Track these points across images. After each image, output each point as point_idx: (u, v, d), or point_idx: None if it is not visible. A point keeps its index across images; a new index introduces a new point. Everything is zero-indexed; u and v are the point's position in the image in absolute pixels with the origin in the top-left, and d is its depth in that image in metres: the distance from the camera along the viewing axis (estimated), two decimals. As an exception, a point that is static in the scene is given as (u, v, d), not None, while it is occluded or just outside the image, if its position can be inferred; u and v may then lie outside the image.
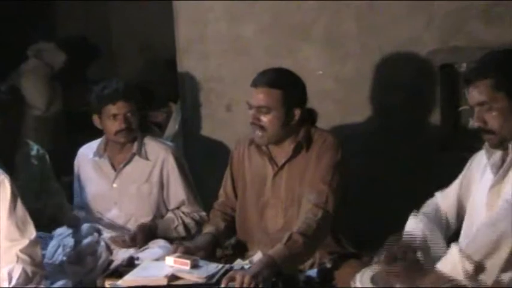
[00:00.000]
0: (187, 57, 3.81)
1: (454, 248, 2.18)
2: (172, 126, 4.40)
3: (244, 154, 2.95)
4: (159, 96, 4.86)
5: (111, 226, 3.23)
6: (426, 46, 3.43)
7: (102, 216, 3.29)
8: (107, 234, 3.18)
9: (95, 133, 3.34)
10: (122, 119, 3.17)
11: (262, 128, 2.76)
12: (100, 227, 3.22)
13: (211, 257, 2.79)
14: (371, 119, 3.57)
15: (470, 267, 2.11)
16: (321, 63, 3.59)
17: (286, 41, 3.62)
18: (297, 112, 2.79)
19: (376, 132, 3.54)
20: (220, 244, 2.91)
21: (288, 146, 2.82)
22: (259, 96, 2.76)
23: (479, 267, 2.11)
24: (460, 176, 2.50)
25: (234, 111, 3.72)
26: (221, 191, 3.06)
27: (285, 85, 2.78)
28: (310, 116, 2.88)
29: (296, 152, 2.81)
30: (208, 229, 2.95)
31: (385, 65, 3.50)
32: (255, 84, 2.80)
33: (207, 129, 3.83)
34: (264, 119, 2.75)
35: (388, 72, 3.51)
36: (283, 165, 2.83)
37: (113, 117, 3.17)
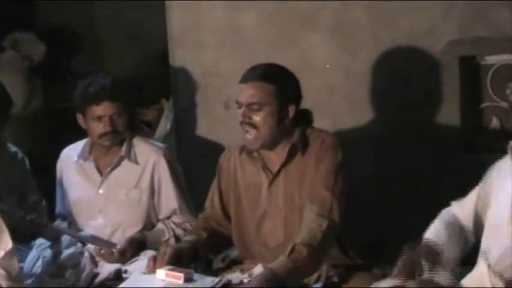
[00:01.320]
0: (180, 49, 3.82)
1: (482, 264, 2.18)
2: (164, 126, 4.40)
3: (235, 163, 2.93)
4: (150, 92, 4.87)
5: (94, 238, 3.23)
6: (444, 37, 3.44)
7: (87, 226, 3.29)
8: (91, 244, 3.19)
9: (80, 133, 3.32)
10: (107, 121, 3.15)
11: (254, 126, 2.75)
12: (81, 238, 3.23)
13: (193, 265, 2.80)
14: (383, 117, 3.57)
15: (500, 284, 2.11)
16: (329, 56, 3.61)
17: (290, 31, 3.64)
18: (292, 109, 2.78)
19: (389, 131, 3.55)
20: (199, 255, 2.87)
21: (281, 150, 2.80)
22: (250, 92, 2.75)
23: (510, 285, 2.11)
24: (478, 186, 2.49)
25: (232, 109, 3.49)
26: (207, 203, 3.06)
27: (278, 79, 2.77)
28: (305, 116, 2.88)
29: (291, 155, 2.80)
30: (187, 238, 2.95)
31: (399, 57, 3.51)
32: (245, 79, 2.79)
33: (203, 129, 3.85)
34: (256, 117, 2.74)
35: (402, 66, 3.52)
36: (279, 171, 2.81)
37: (98, 118, 3.16)
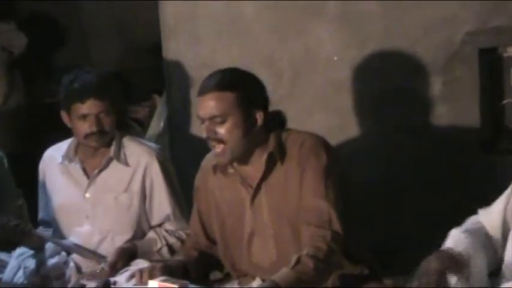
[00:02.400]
0: (174, 40, 3.82)
1: None
2: (157, 124, 4.41)
3: (212, 184, 2.91)
4: (141, 87, 4.90)
5: (81, 248, 3.24)
6: (463, 27, 3.45)
7: (72, 233, 3.30)
8: (77, 254, 3.21)
9: (66, 131, 3.31)
10: (93, 121, 3.15)
11: (220, 141, 2.71)
12: (67, 248, 3.23)
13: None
14: (395, 115, 3.56)
15: None
16: (336, 48, 3.61)
17: (294, 21, 3.64)
18: (260, 115, 2.74)
19: (402, 131, 3.55)
20: (190, 275, 2.86)
21: (258, 161, 2.77)
22: (209, 104, 2.70)
23: None
24: (506, 192, 2.48)
25: None
26: (190, 229, 3.08)
27: (238, 86, 2.73)
28: (278, 119, 2.85)
29: (270, 165, 2.75)
30: (177, 256, 2.98)
31: (413, 49, 3.50)
32: (202, 92, 2.74)
33: (199, 128, 3.53)
34: (221, 130, 2.70)
35: (416, 59, 3.51)
36: (259, 185, 2.78)
37: (83, 117, 3.15)
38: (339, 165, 2.77)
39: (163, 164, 3.30)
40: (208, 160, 2.91)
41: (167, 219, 3.29)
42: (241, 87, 2.73)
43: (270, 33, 3.66)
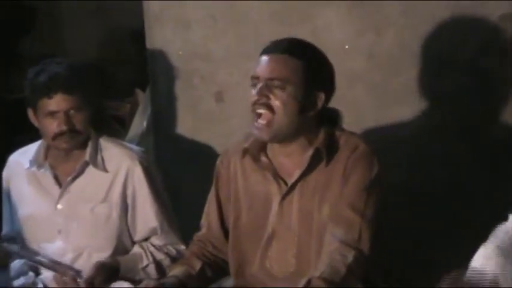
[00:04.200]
0: (160, 26, 3.81)
1: None
2: (140, 123, 4.38)
3: (236, 170, 2.94)
4: (121, 81, 4.96)
5: (54, 263, 3.22)
6: (496, 9, 3.45)
7: (41, 250, 3.28)
8: (47, 273, 3.20)
9: (37, 133, 3.31)
10: (63, 118, 3.15)
11: (270, 108, 2.73)
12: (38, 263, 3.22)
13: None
14: (418, 112, 3.56)
15: None
16: (348, 34, 3.60)
17: (299, 4, 3.63)
18: (320, 97, 2.79)
19: (426, 131, 3.55)
20: None
21: (300, 155, 2.80)
22: (272, 65, 2.75)
23: None
24: None
25: (226, 102, 3.72)
26: (203, 220, 3.07)
27: (308, 56, 2.79)
28: (333, 116, 2.89)
29: (313, 162, 2.78)
30: (175, 271, 2.97)
31: (438, 36, 3.50)
32: (269, 51, 2.80)
33: (188, 128, 3.85)
34: (275, 97, 2.73)
35: (441, 47, 3.52)
36: (295, 182, 2.80)
37: (51, 115, 3.16)
38: (384, 181, 2.80)
39: (147, 169, 3.30)
40: (237, 144, 2.94)
41: (153, 233, 3.30)
42: (311, 59, 2.78)
43: (271, 19, 3.65)
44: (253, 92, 2.76)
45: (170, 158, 3.84)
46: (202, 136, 3.79)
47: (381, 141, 3.44)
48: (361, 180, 2.75)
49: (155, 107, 3.97)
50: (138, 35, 4.05)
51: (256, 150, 2.84)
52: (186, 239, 3.20)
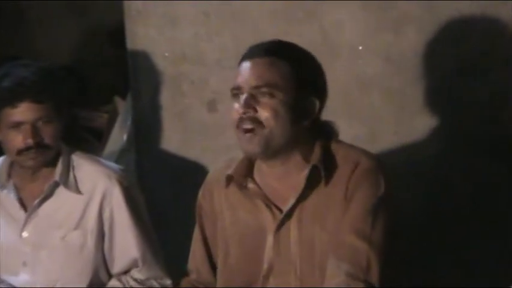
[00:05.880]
0: (143, 24, 3.81)
1: None
2: (119, 136, 4.39)
3: (221, 202, 2.91)
4: (98, 87, 4.94)
5: None
6: None
7: (4, 285, 3.27)
8: None
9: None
10: (29, 131, 3.12)
11: (259, 123, 2.70)
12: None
13: None
14: (442, 121, 3.56)
15: None
16: (362, 34, 3.60)
17: None
18: (315, 103, 2.77)
19: (451, 144, 3.56)
20: None
21: (294, 176, 2.77)
22: (257, 71, 2.72)
23: None
24: None
25: (220, 112, 3.69)
26: (190, 264, 3.07)
27: (296, 57, 2.78)
28: (326, 129, 2.86)
29: (311, 183, 2.74)
30: None
31: (466, 36, 3.50)
32: (248, 56, 2.78)
33: (177, 141, 3.84)
34: (264, 108, 2.69)
35: (469, 48, 3.51)
36: (292, 208, 2.76)
37: (15, 126, 3.15)
38: (393, 200, 2.79)
39: (128, 190, 3.30)
40: (218, 171, 2.93)
41: (134, 265, 3.29)
42: (302, 61, 2.77)
43: (272, 15, 3.66)
44: (236, 106, 2.73)
45: (154, 177, 3.85)
46: (192, 152, 3.79)
47: (400, 156, 3.52)
48: (365, 201, 2.72)
49: (137, 118, 3.95)
50: (118, 33, 4.05)
51: (242, 177, 2.81)
52: (173, 272, 3.20)
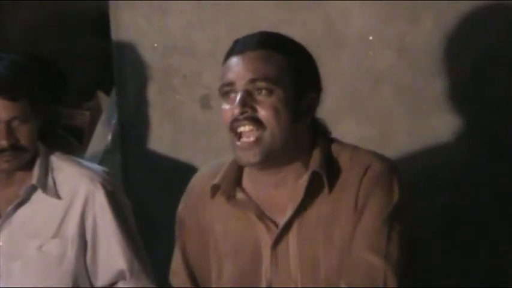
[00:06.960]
0: (128, 11, 3.82)
1: None
2: (102, 136, 4.38)
3: (210, 214, 2.87)
4: (79, 81, 4.87)
5: None
6: None
7: None
8: None
9: None
10: (3, 131, 3.14)
11: (258, 123, 2.64)
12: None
13: None
14: (461, 121, 3.56)
15: None
16: (372, 22, 3.60)
17: None
18: (314, 99, 2.74)
19: (473, 149, 3.56)
20: None
21: (292, 182, 2.73)
22: (252, 64, 2.66)
23: None
24: None
25: (214, 109, 3.68)
26: (173, 282, 3.04)
27: (291, 49, 2.74)
28: (322, 126, 2.84)
29: (312, 191, 2.70)
30: None
31: (489, 27, 3.49)
32: (238, 49, 2.71)
33: (166, 141, 3.86)
34: (262, 106, 2.64)
35: (493, 40, 3.51)
36: (290, 220, 2.72)
37: None
38: (408, 208, 2.74)
39: (112, 194, 3.29)
40: (202, 178, 2.90)
41: (120, 277, 3.29)
42: (297, 53, 2.73)
43: (272, 2, 3.66)
44: (227, 106, 2.67)
45: (142, 180, 3.86)
46: (183, 153, 3.80)
47: (414, 159, 3.53)
48: (379, 211, 2.68)
49: (123, 115, 3.96)
50: (101, 21, 4.05)
51: (230, 185, 2.77)
52: (161, 283, 3.19)
